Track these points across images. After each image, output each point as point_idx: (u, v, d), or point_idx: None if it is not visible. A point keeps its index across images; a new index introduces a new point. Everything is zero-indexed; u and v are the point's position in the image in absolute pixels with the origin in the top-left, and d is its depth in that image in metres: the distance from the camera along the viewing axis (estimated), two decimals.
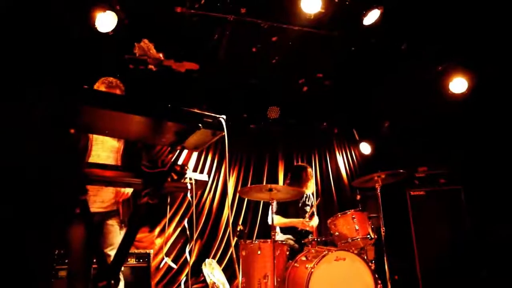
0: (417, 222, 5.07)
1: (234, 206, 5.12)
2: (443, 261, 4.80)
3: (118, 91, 2.75)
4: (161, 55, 5.50)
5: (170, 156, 4.73)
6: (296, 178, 4.34)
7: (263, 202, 5.20)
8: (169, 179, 2.23)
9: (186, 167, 2.36)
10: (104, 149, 2.65)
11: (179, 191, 2.65)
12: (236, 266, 3.56)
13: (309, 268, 3.11)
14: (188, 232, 3.06)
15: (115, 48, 4.31)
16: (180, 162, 4.73)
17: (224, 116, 2.25)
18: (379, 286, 3.27)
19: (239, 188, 5.22)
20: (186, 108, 2.12)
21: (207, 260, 4.37)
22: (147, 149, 3.02)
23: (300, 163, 5.19)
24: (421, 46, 4.79)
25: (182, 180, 2.33)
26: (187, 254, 3.10)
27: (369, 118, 6.20)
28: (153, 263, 3.89)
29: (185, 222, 3.89)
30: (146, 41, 5.21)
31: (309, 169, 4.46)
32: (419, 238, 5.00)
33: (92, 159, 2.58)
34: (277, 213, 4.08)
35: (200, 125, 2.02)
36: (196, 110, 2.10)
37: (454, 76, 4.99)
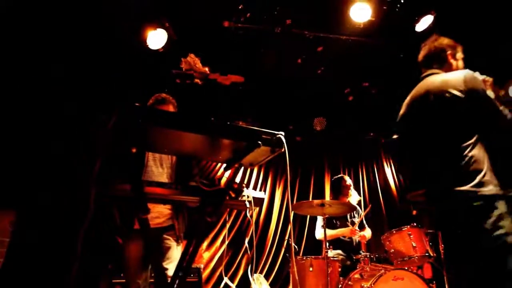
0: None
1: (281, 220, 5.05)
2: None
3: (171, 107, 2.79)
4: (207, 69, 5.59)
5: (220, 171, 4.73)
6: (336, 190, 4.25)
7: (309, 216, 5.09)
8: (227, 197, 2.22)
9: (243, 185, 2.34)
10: (160, 165, 2.68)
11: (237, 208, 2.64)
12: (293, 282, 3.48)
13: (365, 287, 2.98)
14: (249, 252, 3.02)
15: (164, 64, 4.43)
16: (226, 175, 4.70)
17: (283, 133, 2.21)
18: None
19: (285, 201, 5.16)
20: (245, 125, 2.10)
21: (255, 274, 4.32)
22: (199, 164, 3.04)
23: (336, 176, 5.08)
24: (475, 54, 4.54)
25: (240, 198, 2.31)
26: (249, 275, 3.06)
27: None
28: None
29: (246, 242, 3.87)
30: (192, 55, 5.32)
31: (345, 177, 4.35)
32: None
33: (148, 175, 2.62)
34: (325, 226, 3.98)
35: (259, 142, 1.99)
36: (254, 128, 2.07)
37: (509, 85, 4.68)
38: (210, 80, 5.79)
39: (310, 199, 5.39)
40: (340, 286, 3.35)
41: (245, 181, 5.10)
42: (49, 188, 3.36)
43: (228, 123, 2.07)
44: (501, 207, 1.72)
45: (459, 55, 2.24)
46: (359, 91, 5.37)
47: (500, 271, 1.67)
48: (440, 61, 2.17)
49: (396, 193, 5.84)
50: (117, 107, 1.70)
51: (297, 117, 5.44)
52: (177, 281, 2.15)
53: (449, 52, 2.18)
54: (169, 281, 2.44)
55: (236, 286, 4.58)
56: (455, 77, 1.95)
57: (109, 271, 3.11)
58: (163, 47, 4.03)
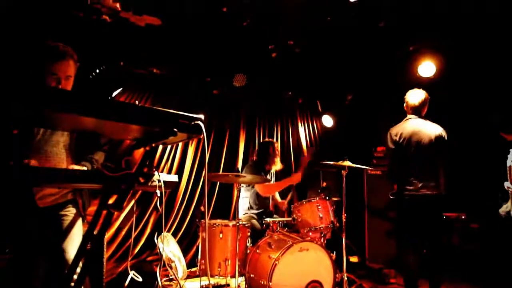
0: (371, 201, 5.23)
1: (191, 179, 4.88)
2: (390, 240, 4.99)
3: (71, 63, 2.28)
4: (117, 5, 4.82)
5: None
6: (263, 154, 4.20)
7: None
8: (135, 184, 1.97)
9: (154, 168, 2.09)
10: (53, 142, 2.25)
11: (147, 191, 2.38)
12: (200, 245, 3.44)
13: (273, 259, 3.06)
14: (159, 251, 2.80)
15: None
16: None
17: (202, 117, 1.98)
18: (338, 274, 3.33)
19: (197, 159, 4.99)
20: (160, 108, 1.83)
21: (162, 233, 4.20)
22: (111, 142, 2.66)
23: (266, 139, 5.02)
24: (397, 24, 4.65)
25: (150, 183, 2.07)
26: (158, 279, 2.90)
27: (334, 90, 6.09)
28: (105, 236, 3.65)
29: (156, 239, 3.63)
30: None
31: (276, 144, 4.33)
32: (371, 219, 5.18)
33: (38, 145, 2.19)
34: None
35: (175, 130, 1.75)
36: (170, 111, 1.82)
37: (424, 59, 4.95)
38: (121, 19, 5.04)
39: (223, 157, 5.30)
40: (248, 253, 3.42)
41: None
42: None
43: (139, 105, 1.79)
44: None
45: None
46: (283, 49, 5.21)
47: None
48: (424, 110, 3.56)
49: (307, 154, 6.05)
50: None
51: (217, 69, 5.12)
52: (82, 258, 1.93)
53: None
54: (69, 263, 2.17)
55: (143, 244, 4.44)
56: (439, 128, 3.48)
57: None
58: None
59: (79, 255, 1.88)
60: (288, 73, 5.66)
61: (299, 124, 6.14)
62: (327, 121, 6.04)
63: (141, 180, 1.99)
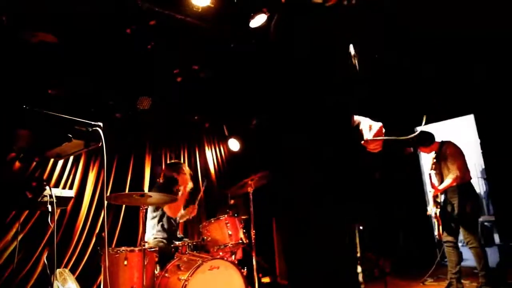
0: (279, 219, 5.39)
1: (93, 207, 4.50)
2: None
3: None
4: (3, 18, 4.47)
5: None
6: (170, 176, 4.09)
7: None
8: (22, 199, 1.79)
9: (45, 182, 1.92)
10: None
11: (36, 210, 2.17)
12: (104, 281, 3.16)
13: (182, 280, 2.95)
14: (48, 271, 2.47)
15: None
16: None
17: (101, 124, 1.91)
18: None
19: (99, 184, 4.64)
20: (53, 112, 1.71)
21: (58, 269, 3.75)
22: None
23: (173, 160, 4.91)
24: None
25: (40, 199, 1.89)
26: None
27: (239, 114, 6.27)
28: None
29: (45, 259, 3.24)
30: None
31: (184, 166, 4.27)
32: (279, 236, 5.33)
33: None
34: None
35: (70, 136, 1.65)
36: (64, 116, 1.71)
37: None
38: (8, 34, 4.63)
39: (128, 182, 5.03)
40: (156, 278, 3.24)
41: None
42: None
43: (27, 108, 1.66)
44: None
45: None
46: (188, 73, 5.26)
47: None
48: None
49: (215, 177, 6.06)
50: None
51: (120, 91, 4.93)
52: None
53: None
54: None
55: (34, 285, 3.87)
56: None
57: None
58: None
59: None
60: (194, 98, 5.71)
61: (206, 148, 6.16)
62: (234, 144, 6.16)
63: (28, 194, 1.82)
